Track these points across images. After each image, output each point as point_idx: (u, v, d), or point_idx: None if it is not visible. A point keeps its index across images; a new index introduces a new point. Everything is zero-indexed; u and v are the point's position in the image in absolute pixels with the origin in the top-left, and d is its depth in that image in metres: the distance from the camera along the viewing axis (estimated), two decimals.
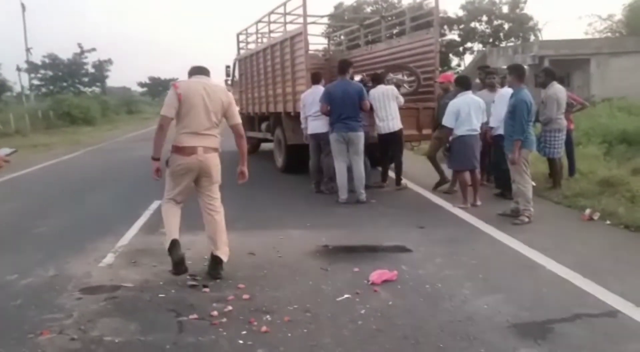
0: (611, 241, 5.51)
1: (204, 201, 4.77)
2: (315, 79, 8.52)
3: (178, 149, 4.62)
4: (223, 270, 4.67)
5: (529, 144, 6.37)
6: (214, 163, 4.67)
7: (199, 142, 4.58)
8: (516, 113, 6.21)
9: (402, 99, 8.32)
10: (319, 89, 8.21)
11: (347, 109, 7.47)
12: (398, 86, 9.06)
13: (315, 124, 8.23)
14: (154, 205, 7.81)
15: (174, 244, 4.60)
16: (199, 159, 4.57)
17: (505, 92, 7.39)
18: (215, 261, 4.67)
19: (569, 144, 8.30)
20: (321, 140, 8.23)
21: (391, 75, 9.61)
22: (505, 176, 7.53)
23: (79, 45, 46.43)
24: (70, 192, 9.70)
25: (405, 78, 9.88)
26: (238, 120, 4.74)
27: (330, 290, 4.29)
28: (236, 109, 4.72)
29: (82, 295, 4.34)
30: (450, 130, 7.17)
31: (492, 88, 7.89)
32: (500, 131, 7.23)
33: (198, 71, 4.78)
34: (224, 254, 4.71)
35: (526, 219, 6.20)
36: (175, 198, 4.78)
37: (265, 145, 13.75)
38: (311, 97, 8.30)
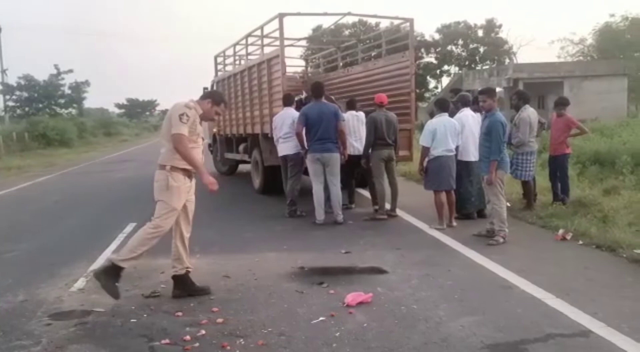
0: (583, 261, 5.57)
1: None
2: (286, 101, 8.56)
3: None
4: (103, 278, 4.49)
5: (504, 166, 6.47)
6: (155, 178, 4.64)
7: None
8: (492, 134, 6.31)
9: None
10: (290, 111, 8.29)
11: (323, 130, 7.50)
12: None
13: (283, 146, 8.30)
14: (129, 228, 7.73)
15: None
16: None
17: (459, 117, 7.51)
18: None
19: (563, 168, 8.14)
20: (289, 161, 8.28)
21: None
22: (463, 197, 7.64)
23: (56, 67, 45.98)
24: (44, 215, 9.55)
25: None
26: (174, 130, 4.45)
27: (306, 313, 4.26)
28: (176, 119, 4.45)
29: (52, 320, 4.25)
30: (427, 149, 7.23)
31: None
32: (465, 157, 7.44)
33: None
34: (118, 262, 4.54)
35: (501, 240, 6.26)
36: None
37: (243, 167, 13.72)
38: (281, 120, 8.37)
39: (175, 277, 4.78)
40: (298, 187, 8.32)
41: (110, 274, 4.49)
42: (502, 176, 6.50)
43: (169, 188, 4.52)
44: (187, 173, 4.62)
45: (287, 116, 8.27)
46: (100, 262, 5.94)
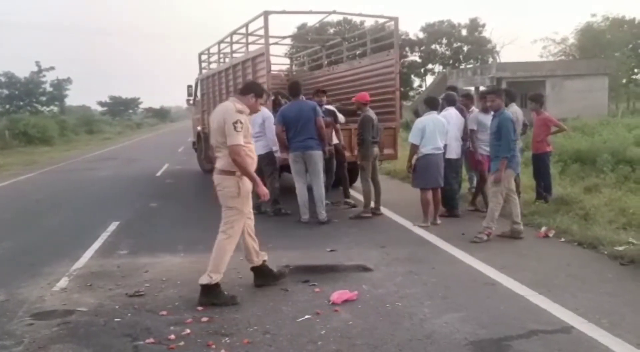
0: (565, 257, 5.64)
1: None
2: None
3: None
4: (205, 297, 4.49)
5: (515, 165, 6.46)
6: (220, 184, 4.64)
7: (216, 163, 4.74)
8: (502, 132, 6.28)
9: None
10: (262, 110, 8.19)
11: (302, 128, 7.42)
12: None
13: (254, 146, 8.19)
14: (112, 227, 7.68)
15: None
16: (213, 179, 4.72)
17: (443, 115, 7.55)
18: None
19: (545, 166, 8.15)
20: (262, 161, 8.21)
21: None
22: (449, 195, 7.68)
23: (37, 64, 45.46)
24: (26, 214, 9.43)
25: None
26: (231, 141, 4.42)
27: (291, 310, 4.27)
28: (231, 128, 4.42)
29: (34, 320, 4.21)
30: (416, 147, 7.24)
31: (486, 110, 7.52)
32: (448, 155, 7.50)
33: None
34: (203, 277, 4.55)
35: (485, 237, 6.30)
36: None
37: None
38: (252, 118, 8.26)
39: (255, 269, 4.94)
40: (277, 185, 8.26)
41: (211, 293, 4.51)
42: (511, 177, 6.48)
43: (241, 195, 4.59)
44: None
45: (258, 115, 8.17)
46: (83, 261, 5.91)
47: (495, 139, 6.45)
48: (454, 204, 7.74)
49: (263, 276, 4.96)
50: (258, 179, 4.61)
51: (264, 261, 5.01)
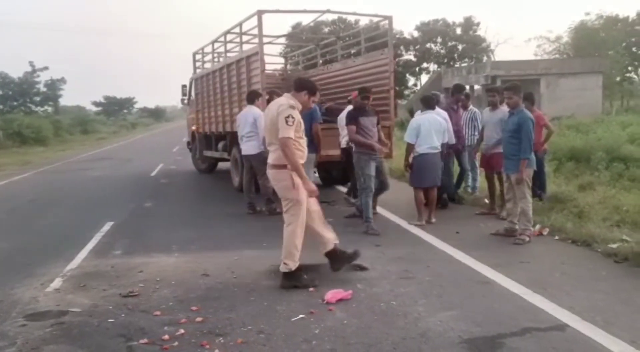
0: (560, 256, 5.65)
1: None
2: (249, 99, 8.44)
3: None
4: (287, 281, 4.78)
5: (531, 163, 6.36)
6: (274, 178, 4.90)
7: (268, 158, 4.98)
8: (523, 131, 6.16)
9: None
10: (252, 110, 8.15)
11: None
12: None
13: (247, 146, 8.17)
14: (106, 227, 7.65)
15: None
16: (267, 174, 5.02)
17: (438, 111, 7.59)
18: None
19: (539, 165, 7.88)
20: (253, 161, 8.17)
21: None
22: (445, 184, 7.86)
23: (31, 64, 45.28)
24: (19, 214, 9.40)
25: None
26: (281, 133, 4.63)
27: (285, 310, 4.25)
28: (283, 122, 4.62)
29: (27, 321, 4.19)
30: (412, 146, 7.23)
31: (494, 107, 7.55)
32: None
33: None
34: (281, 265, 4.81)
35: (527, 239, 6.15)
36: None
37: (222, 165, 13.65)
38: (243, 118, 8.24)
39: (328, 254, 5.02)
40: (270, 184, 8.18)
41: (292, 278, 4.78)
42: (530, 174, 6.38)
43: (296, 186, 4.74)
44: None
45: (249, 115, 8.13)
46: (77, 261, 5.88)
47: (512, 138, 6.29)
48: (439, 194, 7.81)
49: (337, 259, 5.04)
50: (304, 173, 4.74)
51: (335, 244, 5.06)
